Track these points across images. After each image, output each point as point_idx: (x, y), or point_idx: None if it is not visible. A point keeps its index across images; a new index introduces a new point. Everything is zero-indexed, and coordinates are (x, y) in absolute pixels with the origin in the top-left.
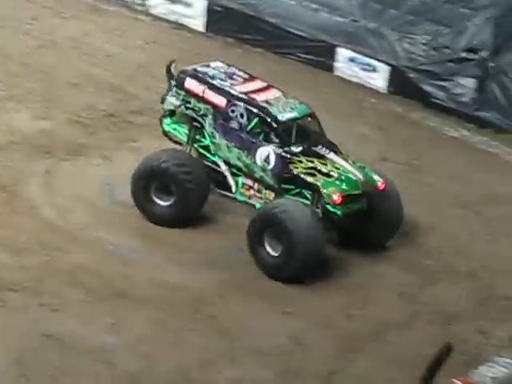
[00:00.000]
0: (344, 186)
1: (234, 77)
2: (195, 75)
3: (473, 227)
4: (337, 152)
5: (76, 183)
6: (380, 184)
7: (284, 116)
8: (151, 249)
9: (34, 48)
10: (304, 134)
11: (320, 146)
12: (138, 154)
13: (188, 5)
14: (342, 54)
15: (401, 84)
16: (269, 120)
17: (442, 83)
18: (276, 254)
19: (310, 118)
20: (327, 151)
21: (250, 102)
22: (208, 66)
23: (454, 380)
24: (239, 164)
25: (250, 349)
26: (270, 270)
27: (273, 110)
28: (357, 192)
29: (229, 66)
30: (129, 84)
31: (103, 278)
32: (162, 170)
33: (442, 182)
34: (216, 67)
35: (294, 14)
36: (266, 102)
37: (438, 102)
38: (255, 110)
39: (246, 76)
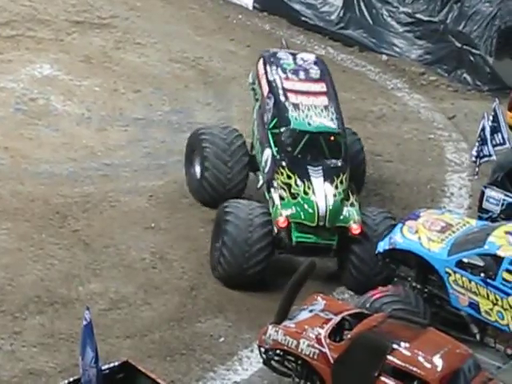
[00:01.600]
0: (297, 213)
1: (300, 73)
2: (267, 58)
3: None
4: (332, 179)
5: None
6: (355, 227)
7: (299, 125)
8: (14, 161)
9: None
10: (314, 150)
11: (319, 167)
12: (3, 66)
13: None
14: None
15: (268, 1)
16: (280, 123)
17: (310, 1)
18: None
19: (332, 137)
20: (319, 174)
21: (279, 99)
22: (293, 54)
23: (314, 295)
24: (257, 158)
25: (113, 263)
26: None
27: (292, 115)
28: (310, 223)
29: (316, 62)
30: None
31: None
32: (199, 141)
33: None
34: (298, 58)
35: None
36: (296, 105)
37: (305, 19)
38: (276, 109)
39: (316, 77)
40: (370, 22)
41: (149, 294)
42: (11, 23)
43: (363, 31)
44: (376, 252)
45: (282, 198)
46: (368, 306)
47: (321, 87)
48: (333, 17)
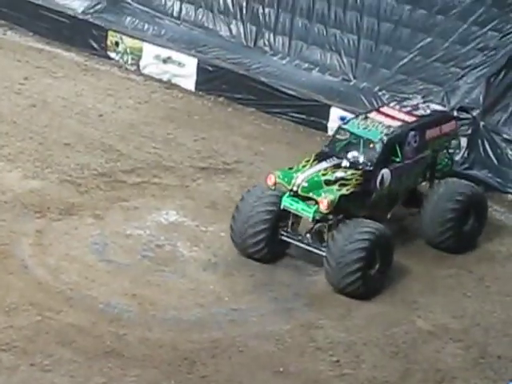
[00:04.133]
0: (283, 176)
1: (408, 107)
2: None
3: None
4: (338, 167)
5: (68, 243)
6: (322, 201)
7: (349, 126)
8: (142, 308)
9: (26, 107)
10: (351, 149)
11: (341, 160)
12: (130, 214)
13: (180, 64)
14: (335, 113)
15: None
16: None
17: None
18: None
19: (370, 144)
20: (332, 162)
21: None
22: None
23: None
24: None
25: None
26: None
27: (353, 120)
28: (287, 185)
29: (437, 110)
30: (120, 144)
31: (94, 337)
32: None
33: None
34: (425, 104)
35: (285, 73)
36: (367, 117)
37: None
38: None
39: (417, 113)
40: (495, 162)
41: None
42: (137, 170)
43: (488, 171)
44: None
45: (290, 169)
46: None
47: (409, 118)
48: (457, 157)
